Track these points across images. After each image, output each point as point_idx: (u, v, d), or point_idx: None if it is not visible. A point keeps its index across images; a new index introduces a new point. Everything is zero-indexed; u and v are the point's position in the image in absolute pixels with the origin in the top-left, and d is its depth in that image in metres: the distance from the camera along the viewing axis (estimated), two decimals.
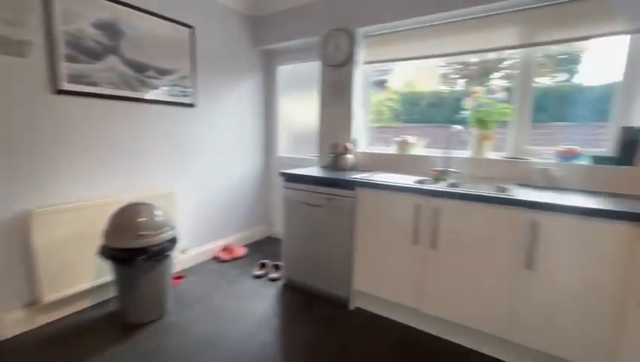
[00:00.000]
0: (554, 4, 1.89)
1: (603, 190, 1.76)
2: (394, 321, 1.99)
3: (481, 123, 2.14)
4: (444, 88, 2.49)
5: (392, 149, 2.57)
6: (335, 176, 2.17)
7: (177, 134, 2.50)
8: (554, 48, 2.02)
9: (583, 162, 1.86)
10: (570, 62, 2.09)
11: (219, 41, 2.74)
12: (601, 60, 1.97)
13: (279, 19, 2.90)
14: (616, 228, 1.32)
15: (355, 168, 2.57)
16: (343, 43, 2.53)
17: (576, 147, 1.90)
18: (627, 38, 1.81)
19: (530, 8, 1.95)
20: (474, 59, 2.31)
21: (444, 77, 2.50)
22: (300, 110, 3.18)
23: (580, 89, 2.04)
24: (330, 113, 2.72)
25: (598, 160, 1.82)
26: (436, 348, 1.77)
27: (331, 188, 2.09)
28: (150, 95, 2.28)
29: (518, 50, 2.09)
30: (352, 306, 2.12)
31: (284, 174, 2.31)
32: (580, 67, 2.06)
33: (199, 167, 2.70)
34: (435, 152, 2.33)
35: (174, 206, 2.42)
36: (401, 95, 2.69)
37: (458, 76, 2.43)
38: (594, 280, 1.39)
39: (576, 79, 2.06)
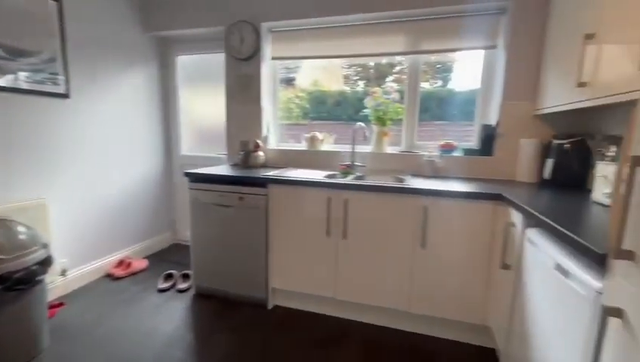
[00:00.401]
0: (432, 18, 2.20)
1: (473, 176, 2.14)
2: (313, 313, 2.05)
3: (380, 120, 2.36)
4: (347, 88, 2.66)
5: (302, 146, 2.62)
6: (246, 174, 2.10)
7: (47, 132, 2.04)
8: (433, 58, 2.37)
9: (458, 154, 2.23)
10: (444, 71, 2.48)
11: (98, 21, 2.33)
12: (467, 70, 2.38)
13: (175, 3, 2.63)
14: (483, 206, 1.63)
15: (266, 165, 2.54)
16: (249, 36, 2.45)
17: (453, 141, 2.26)
18: (482, 52, 2.24)
19: (415, 20, 2.23)
20: (371, 62, 2.54)
21: (347, 78, 2.67)
22: (206, 105, 2.96)
23: (452, 93, 2.44)
24: (238, 109, 2.61)
25: (468, 152, 2.21)
26: (352, 330, 1.89)
27: (243, 186, 2.01)
28: (1, 81, 1.80)
29: (407, 57, 2.37)
30: (270, 305, 2.10)
31: (189, 174, 2.12)
32: (452, 75, 2.46)
33: (80, 171, 2.26)
34: (343, 148, 2.48)
35: (46, 219, 1.98)
36: (308, 93, 2.76)
37: (358, 78, 2.63)
38: (469, 250, 1.69)
39: (450, 85, 2.45)
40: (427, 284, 1.77)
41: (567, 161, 1.81)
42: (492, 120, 2.19)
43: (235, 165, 2.56)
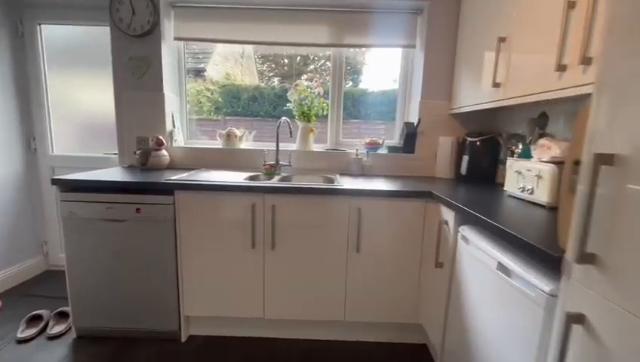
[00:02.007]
0: (355, 11, 2.12)
1: (397, 174, 2.15)
2: (239, 338, 1.77)
3: (305, 116, 2.19)
4: (263, 85, 2.42)
5: (217, 143, 2.27)
6: (146, 178, 1.68)
7: None
8: (358, 57, 2.30)
9: (383, 151, 2.22)
10: (354, 72, 2.42)
11: None
12: (388, 69, 2.39)
13: None
14: (414, 205, 1.61)
15: (172, 167, 2.11)
16: (143, 8, 1.98)
17: (377, 139, 2.24)
18: (395, 52, 2.27)
19: (338, 11, 2.11)
20: (285, 60, 2.34)
21: (262, 74, 2.43)
22: (90, 92, 2.33)
23: (376, 91, 2.43)
24: (132, 98, 2.11)
25: (392, 149, 2.22)
26: (286, 349, 1.68)
27: (141, 195, 1.59)
28: None
29: (332, 50, 2.25)
30: (184, 337, 1.73)
31: (59, 182, 1.59)
32: (362, 76, 2.44)
33: None
34: (265, 146, 2.23)
35: None
36: (221, 87, 2.42)
37: (273, 74, 2.43)
38: (402, 250, 1.65)
39: (361, 85, 2.42)
40: (362, 290, 1.68)
41: (480, 157, 1.94)
42: (413, 118, 2.23)
43: (130, 167, 2.07)
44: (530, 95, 1.29)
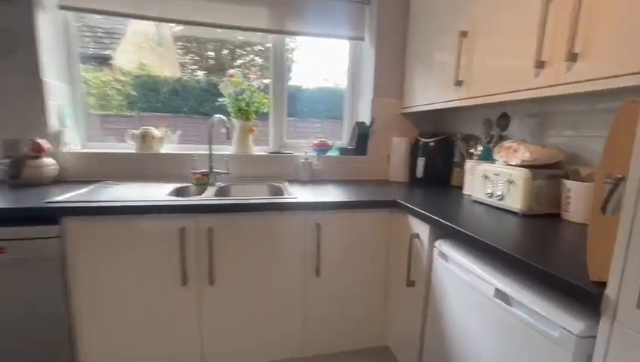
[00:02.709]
0: None
1: (350, 178, 1.96)
2: None
3: (243, 113, 1.84)
4: (186, 77, 1.99)
5: (129, 147, 1.78)
6: (15, 201, 1.16)
7: None
8: (286, 54, 2.01)
9: (334, 154, 2.00)
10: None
11: None
12: (322, 65, 2.17)
13: None
14: (378, 216, 1.42)
15: (62, 180, 1.57)
16: None
17: (326, 140, 2.01)
18: (337, 47, 2.08)
19: None
20: (211, 52, 1.96)
21: (183, 66, 2.00)
22: None
23: (311, 88, 2.19)
24: None
25: (343, 151, 2.02)
26: None
27: (5, 227, 1.08)
28: None
29: (273, 38, 1.94)
30: None
31: None
32: (307, 70, 2.16)
33: None
34: (192, 149, 1.82)
35: None
36: (135, 78, 1.91)
37: (197, 67, 2.02)
38: (367, 268, 1.45)
39: (307, 81, 2.17)
40: (324, 318, 1.44)
41: (434, 159, 1.85)
42: (362, 117, 2.06)
43: None
44: (499, 94, 1.20)
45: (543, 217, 1.15)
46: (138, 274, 1.21)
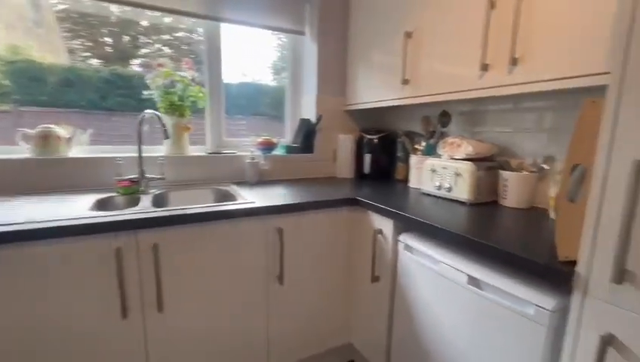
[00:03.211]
0: None
1: (298, 177, 1.90)
2: None
3: (177, 109, 1.61)
4: (81, 66, 1.64)
5: (22, 151, 1.38)
6: None
7: None
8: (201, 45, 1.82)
9: (280, 152, 1.91)
10: (199, 63, 1.97)
11: None
12: (261, 60, 2.06)
13: None
14: (339, 215, 1.40)
15: None
16: None
17: (272, 138, 1.91)
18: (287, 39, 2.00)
19: None
20: (108, 38, 1.66)
21: (72, 53, 1.65)
22: None
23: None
24: None
25: (290, 149, 1.94)
26: None
27: None
28: None
29: (207, 25, 1.74)
30: None
31: None
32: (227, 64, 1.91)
33: None
34: (109, 151, 1.53)
35: None
36: (8, 64, 1.49)
37: (90, 55, 1.69)
38: (330, 269, 1.42)
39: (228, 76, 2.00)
40: (288, 328, 1.36)
41: (379, 155, 1.92)
42: (305, 114, 2.02)
43: None
44: (447, 93, 1.29)
45: (485, 205, 1.29)
46: (58, 316, 0.95)
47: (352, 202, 1.39)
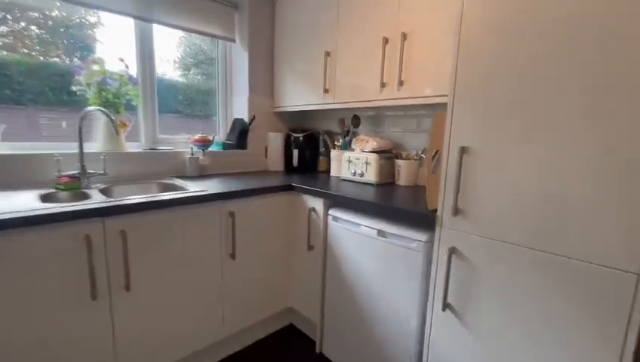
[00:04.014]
0: None
1: (234, 171, 2.10)
2: None
3: (113, 106, 1.64)
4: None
5: None
6: None
7: None
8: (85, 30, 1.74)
9: (217, 148, 2.08)
10: (83, 49, 1.75)
11: None
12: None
13: None
14: (279, 199, 1.68)
15: None
16: None
17: (207, 135, 2.06)
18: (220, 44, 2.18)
19: None
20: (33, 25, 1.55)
21: None
22: None
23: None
24: None
25: (226, 146, 2.13)
26: None
27: None
28: None
29: (137, 23, 1.79)
30: None
31: None
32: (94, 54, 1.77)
33: None
34: (26, 148, 1.49)
35: None
36: None
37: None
38: (273, 244, 1.69)
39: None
40: (240, 297, 1.59)
41: (304, 151, 2.27)
42: (237, 114, 2.23)
43: None
44: (358, 102, 1.71)
45: (386, 184, 1.75)
46: (31, 301, 0.99)
47: (289, 188, 1.70)
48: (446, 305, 1.11)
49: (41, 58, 1.60)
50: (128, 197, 1.23)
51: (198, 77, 2.22)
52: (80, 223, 1.07)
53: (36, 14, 1.58)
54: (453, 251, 1.08)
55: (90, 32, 1.78)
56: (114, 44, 1.77)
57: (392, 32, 1.51)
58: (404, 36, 1.45)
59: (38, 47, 1.59)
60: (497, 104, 0.95)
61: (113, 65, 1.68)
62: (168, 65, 2.07)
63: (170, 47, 2.06)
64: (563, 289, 0.87)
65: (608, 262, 0.80)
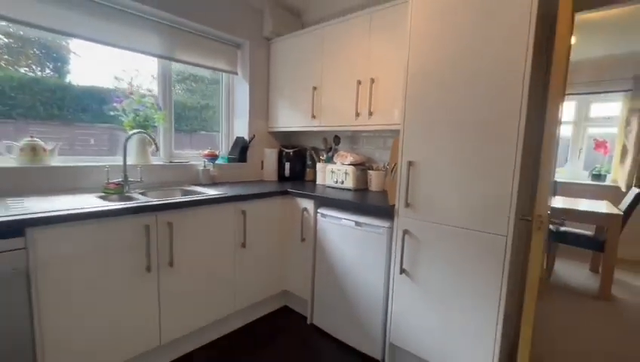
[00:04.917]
0: (185, 30, 2.25)
1: (237, 180, 2.53)
2: None
3: (143, 128, 2.05)
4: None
5: (8, 161, 1.61)
6: None
7: None
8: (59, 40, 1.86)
9: (223, 162, 2.51)
10: (57, 60, 1.89)
11: None
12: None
13: None
14: (277, 201, 2.14)
15: None
16: None
17: (214, 150, 2.49)
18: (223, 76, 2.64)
19: (169, 25, 2.15)
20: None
21: None
22: None
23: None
24: None
25: (230, 160, 2.56)
26: None
27: None
28: None
29: (161, 62, 2.22)
30: None
31: None
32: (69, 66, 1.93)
33: None
34: (77, 161, 1.86)
35: None
36: None
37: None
38: (273, 235, 2.13)
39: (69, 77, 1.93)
40: (248, 278, 2.00)
41: (294, 163, 2.74)
42: (237, 132, 2.68)
43: None
44: (339, 126, 2.22)
45: (361, 190, 2.26)
46: (102, 271, 1.38)
47: (285, 193, 2.16)
48: (402, 270, 1.61)
49: (12, 68, 1.70)
50: (171, 198, 1.65)
51: (182, 92, 2.54)
52: (140, 216, 1.47)
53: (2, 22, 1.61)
54: (405, 232, 1.59)
55: (64, 42, 1.85)
56: (95, 57, 1.95)
57: (363, 76, 2.04)
58: (372, 80, 1.99)
59: (6, 57, 1.66)
60: (430, 131, 1.49)
61: (106, 81, 2.01)
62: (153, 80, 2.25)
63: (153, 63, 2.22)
64: (467, 251, 1.39)
65: (490, 230, 1.33)
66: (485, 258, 1.35)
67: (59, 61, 1.91)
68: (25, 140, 1.64)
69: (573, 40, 2.95)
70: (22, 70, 1.74)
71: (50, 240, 1.23)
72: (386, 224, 1.68)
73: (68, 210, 1.30)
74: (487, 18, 1.31)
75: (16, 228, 1.15)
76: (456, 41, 1.40)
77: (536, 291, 1.19)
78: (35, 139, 1.67)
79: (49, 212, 1.25)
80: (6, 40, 1.69)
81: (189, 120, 2.52)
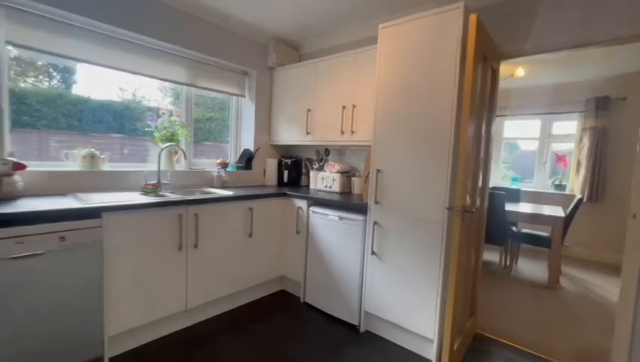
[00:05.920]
0: (203, 62, 2.79)
1: (244, 185, 3.04)
2: (161, 338, 1.99)
3: (171, 141, 2.56)
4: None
5: (72, 165, 2.11)
6: (51, 206, 1.56)
7: None
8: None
9: (232, 169, 3.01)
10: (65, 71, 2.23)
11: None
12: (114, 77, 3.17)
13: None
14: (276, 201, 2.63)
15: (25, 195, 1.81)
16: None
17: (225, 160, 2.99)
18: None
19: (192, 59, 2.69)
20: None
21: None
22: None
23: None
24: None
25: (238, 168, 3.07)
26: (209, 328, 2.15)
27: (65, 221, 1.53)
28: None
29: (185, 87, 2.75)
30: (107, 358, 1.74)
31: None
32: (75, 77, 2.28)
33: None
34: (121, 166, 2.37)
35: None
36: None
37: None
38: (272, 229, 2.62)
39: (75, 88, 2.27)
40: (252, 263, 2.48)
41: (291, 171, 3.25)
42: (244, 145, 3.19)
43: None
44: (328, 141, 2.75)
45: (346, 193, 2.76)
46: (147, 246, 1.86)
47: (284, 195, 2.66)
48: (373, 252, 2.11)
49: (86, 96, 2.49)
50: (196, 196, 2.15)
51: (231, 123, 3.15)
52: (175, 208, 1.97)
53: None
54: (375, 223, 2.09)
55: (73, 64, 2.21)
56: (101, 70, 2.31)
57: (347, 102, 2.58)
58: (353, 105, 2.53)
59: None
60: (393, 146, 2.01)
61: (112, 91, 2.55)
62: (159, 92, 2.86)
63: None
64: (417, 235, 1.89)
65: (432, 218, 1.83)
66: (429, 240, 1.85)
67: (68, 72, 2.29)
68: (86, 150, 2.14)
69: (522, 72, 3.55)
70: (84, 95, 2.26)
71: (117, 222, 1.72)
72: (361, 217, 2.19)
73: (125, 201, 1.80)
74: (428, 65, 1.85)
75: (95, 212, 1.64)
76: (407, 78, 1.93)
77: (457, 261, 1.66)
78: (92, 149, 2.18)
79: (114, 203, 1.74)
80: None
81: (203, 132, 3.05)
